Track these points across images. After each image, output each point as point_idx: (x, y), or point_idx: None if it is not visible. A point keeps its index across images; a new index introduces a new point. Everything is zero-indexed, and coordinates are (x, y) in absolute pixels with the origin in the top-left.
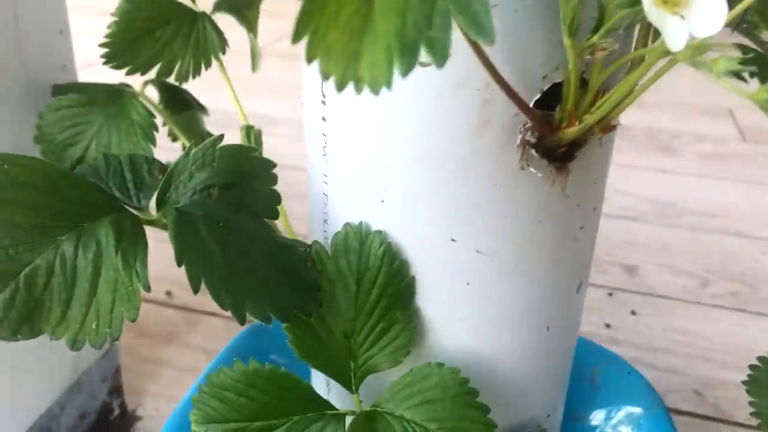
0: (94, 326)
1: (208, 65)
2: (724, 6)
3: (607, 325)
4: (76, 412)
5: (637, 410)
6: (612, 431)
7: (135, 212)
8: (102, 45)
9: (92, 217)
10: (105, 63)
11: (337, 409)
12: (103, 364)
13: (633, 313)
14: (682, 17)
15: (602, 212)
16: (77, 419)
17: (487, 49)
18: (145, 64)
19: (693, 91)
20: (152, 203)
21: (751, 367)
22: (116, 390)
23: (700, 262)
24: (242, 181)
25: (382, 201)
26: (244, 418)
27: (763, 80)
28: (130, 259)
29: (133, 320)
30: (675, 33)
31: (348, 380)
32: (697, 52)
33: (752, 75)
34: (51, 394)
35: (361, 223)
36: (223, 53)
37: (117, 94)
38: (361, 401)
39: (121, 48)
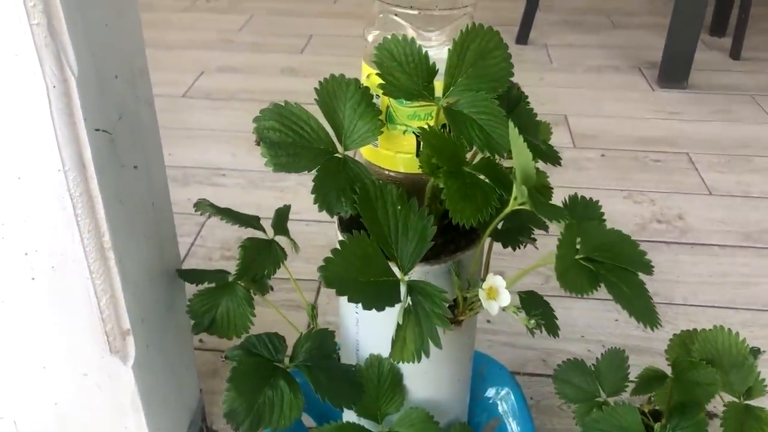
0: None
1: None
2: (508, 297)
3: (488, 321)
4: None
5: (505, 389)
6: (497, 400)
7: (279, 364)
8: None
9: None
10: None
11: None
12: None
13: None
14: (495, 300)
15: None
16: None
17: None
18: None
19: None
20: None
21: None
22: (203, 416)
23: None
24: (327, 354)
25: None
26: None
27: (527, 313)
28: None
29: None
30: (493, 308)
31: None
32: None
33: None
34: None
35: (378, 354)
36: None
37: (229, 283)
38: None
39: None
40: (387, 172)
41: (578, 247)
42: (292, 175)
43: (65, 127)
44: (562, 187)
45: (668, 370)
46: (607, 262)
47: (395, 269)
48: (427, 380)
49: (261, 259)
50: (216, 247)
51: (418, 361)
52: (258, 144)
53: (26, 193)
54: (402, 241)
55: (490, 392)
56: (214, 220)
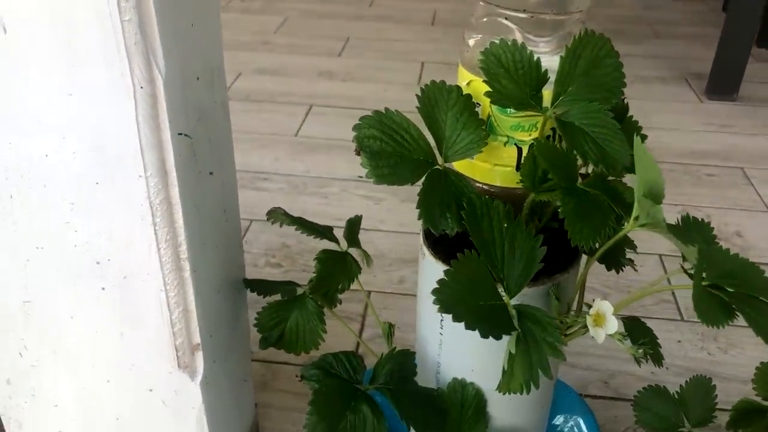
0: None
1: None
2: (616, 324)
3: None
4: None
5: (576, 416)
6: (566, 427)
7: (359, 386)
8: None
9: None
10: None
11: None
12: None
13: None
14: (602, 327)
15: None
16: None
17: None
18: None
19: None
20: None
21: None
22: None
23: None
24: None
25: (472, 371)
26: None
27: (633, 341)
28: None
29: None
30: (600, 335)
31: None
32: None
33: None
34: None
35: (462, 378)
36: None
37: (299, 296)
38: None
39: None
40: (480, 185)
41: (703, 274)
42: (335, 181)
43: (149, 130)
44: None
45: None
46: (736, 290)
47: (501, 292)
48: (511, 407)
49: (335, 272)
50: (260, 253)
51: (527, 393)
52: (358, 154)
53: (103, 200)
54: (509, 262)
55: (559, 419)
56: (257, 225)
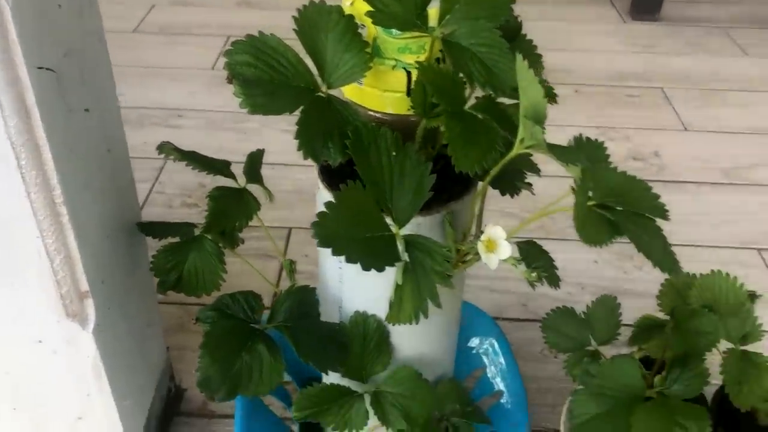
0: None
1: None
2: (509, 249)
3: None
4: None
5: (489, 338)
6: (480, 351)
7: (256, 326)
8: None
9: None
10: None
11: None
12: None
13: None
14: (495, 253)
15: None
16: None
17: None
18: None
19: None
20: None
21: None
22: (171, 375)
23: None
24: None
25: (373, 303)
26: None
27: (528, 265)
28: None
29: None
30: (493, 261)
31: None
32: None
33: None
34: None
35: (364, 311)
36: None
37: (196, 237)
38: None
39: None
40: (372, 114)
41: (590, 193)
42: (256, 116)
43: (2, 65)
44: None
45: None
46: (622, 208)
47: (389, 223)
48: (415, 337)
49: (231, 210)
50: (176, 194)
51: (416, 323)
52: (230, 82)
53: None
54: (397, 192)
55: (474, 342)
56: (172, 164)
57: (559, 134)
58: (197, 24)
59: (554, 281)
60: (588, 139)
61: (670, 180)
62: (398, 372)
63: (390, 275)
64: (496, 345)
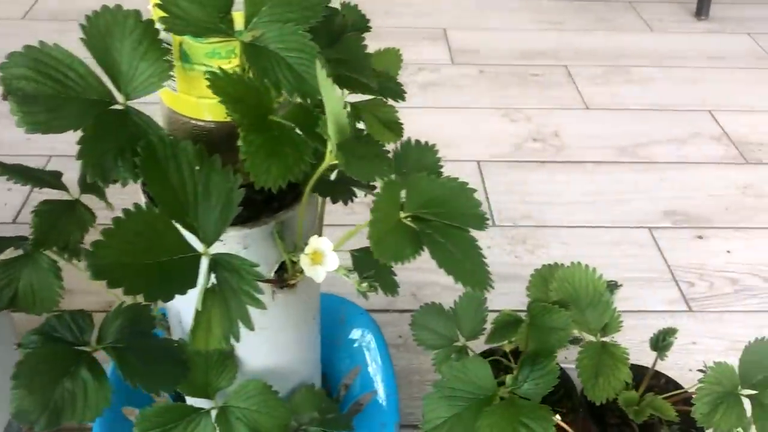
0: None
1: None
2: (336, 260)
3: None
4: None
5: (367, 334)
6: (357, 346)
7: (85, 348)
8: None
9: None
10: None
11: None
12: None
13: None
14: (322, 265)
15: None
16: None
17: None
18: None
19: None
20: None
21: None
22: None
23: None
24: (142, 330)
25: None
26: None
27: (360, 275)
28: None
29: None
30: (318, 274)
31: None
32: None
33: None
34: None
35: None
36: None
37: (29, 253)
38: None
39: None
40: (194, 122)
41: (404, 202)
42: None
43: None
44: (438, 108)
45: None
46: (435, 220)
47: (197, 243)
48: (265, 349)
49: (62, 223)
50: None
51: (227, 347)
52: (5, 98)
53: None
54: (203, 208)
55: (351, 337)
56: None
57: (460, 117)
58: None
59: (390, 288)
60: (418, 142)
61: (568, 160)
62: (246, 386)
63: None
64: (372, 342)
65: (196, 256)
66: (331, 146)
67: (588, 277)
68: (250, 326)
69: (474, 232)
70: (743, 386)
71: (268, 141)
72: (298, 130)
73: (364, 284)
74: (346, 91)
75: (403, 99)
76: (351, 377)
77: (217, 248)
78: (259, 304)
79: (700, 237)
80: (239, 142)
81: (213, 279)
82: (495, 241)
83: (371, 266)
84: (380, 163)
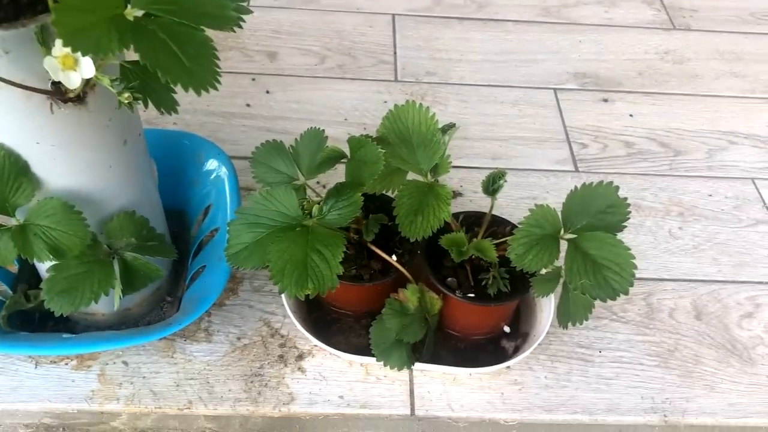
0: None
1: None
2: (91, 67)
3: (248, 105)
4: None
5: (217, 162)
6: (213, 185)
7: None
8: None
9: None
10: None
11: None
12: None
13: (267, 92)
14: (75, 70)
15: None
16: None
17: None
18: None
19: None
20: None
21: None
22: None
23: (323, 40)
24: None
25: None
26: None
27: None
28: None
29: None
30: (73, 80)
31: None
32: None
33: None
34: None
35: None
36: None
37: None
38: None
39: None
40: None
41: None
42: None
43: None
44: None
45: None
46: (165, 16)
47: None
48: (61, 167)
49: None
50: None
51: None
52: None
53: None
54: None
55: (208, 177)
56: None
57: None
58: None
59: (168, 105)
60: None
61: (488, 18)
62: (44, 204)
63: (2, 98)
64: (226, 181)
65: None
66: None
67: (421, 116)
68: None
69: (372, 86)
70: (566, 231)
71: None
72: None
73: (126, 94)
74: None
75: None
76: (206, 214)
77: None
78: None
79: (605, 100)
80: None
81: None
82: (393, 96)
83: (138, 78)
84: None
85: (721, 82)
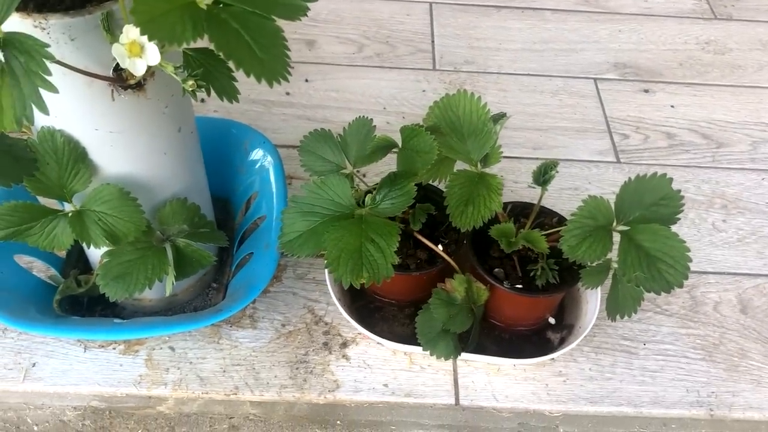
0: None
1: None
2: (157, 54)
3: (287, 93)
4: None
5: (263, 151)
6: (258, 174)
7: None
8: None
9: None
10: None
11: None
12: None
13: (306, 80)
14: (141, 57)
15: None
16: None
17: None
18: None
19: None
20: None
21: None
22: None
23: (361, 29)
24: None
25: (55, 117)
26: None
27: (189, 73)
28: None
29: None
30: (138, 67)
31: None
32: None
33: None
34: None
35: (50, 126)
36: None
37: None
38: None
39: None
40: None
41: None
42: None
43: None
44: None
45: None
46: (237, 5)
47: None
48: (118, 153)
49: None
50: None
51: (19, 129)
52: None
53: None
54: None
55: (253, 166)
56: None
57: None
58: None
59: (229, 93)
60: None
61: (526, 6)
62: (101, 190)
63: (64, 85)
64: (271, 170)
65: None
66: None
67: (472, 106)
68: (44, 110)
69: (410, 74)
70: (618, 222)
71: None
72: None
73: (190, 82)
74: None
75: None
76: (251, 202)
77: (42, 38)
78: (51, 88)
79: (646, 91)
80: None
81: (1, 58)
82: (431, 85)
83: (205, 66)
84: None
85: (764, 73)
